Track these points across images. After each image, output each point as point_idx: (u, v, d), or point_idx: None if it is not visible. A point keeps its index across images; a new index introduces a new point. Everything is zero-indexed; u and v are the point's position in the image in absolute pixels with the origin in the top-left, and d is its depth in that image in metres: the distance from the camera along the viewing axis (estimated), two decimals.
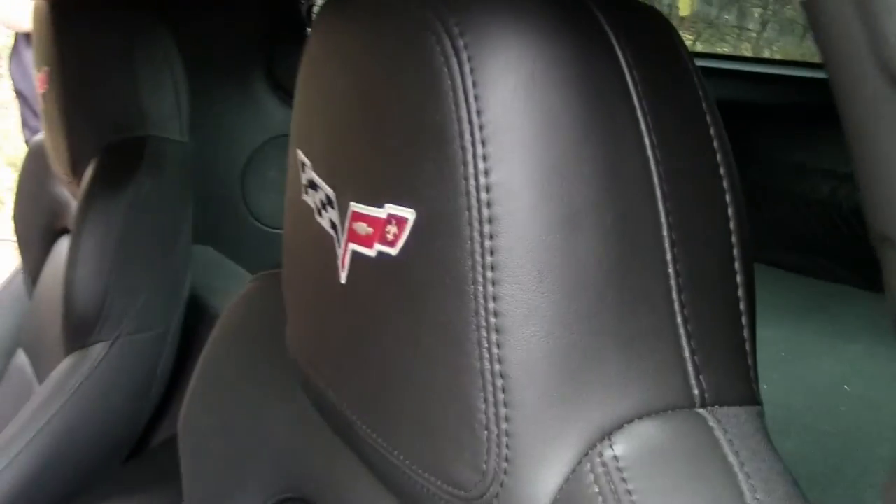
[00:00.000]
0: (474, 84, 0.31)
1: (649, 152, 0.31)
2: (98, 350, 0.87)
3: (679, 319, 0.32)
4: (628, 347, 0.32)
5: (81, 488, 0.88)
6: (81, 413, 0.85)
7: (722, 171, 0.33)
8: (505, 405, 0.32)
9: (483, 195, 0.31)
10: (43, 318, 1.03)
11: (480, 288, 0.31)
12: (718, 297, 0.33)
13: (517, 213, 0.31)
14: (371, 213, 0.36)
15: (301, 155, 0.43)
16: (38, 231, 1.11)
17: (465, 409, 0.33)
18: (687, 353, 0.32)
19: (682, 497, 0.30)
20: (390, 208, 0.34)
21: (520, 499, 0.32)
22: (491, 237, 0.31)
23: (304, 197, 0.43)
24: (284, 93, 1.25)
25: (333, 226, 0.39)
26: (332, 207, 0.39)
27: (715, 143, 0.33)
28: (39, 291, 1.08)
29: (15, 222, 1.18)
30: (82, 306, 0.87)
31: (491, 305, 0.31)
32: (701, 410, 0.32)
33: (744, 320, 0.34)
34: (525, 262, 0.31)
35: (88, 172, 0.90)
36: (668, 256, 0.32)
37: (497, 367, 0.31)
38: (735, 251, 0.33)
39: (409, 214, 0.33)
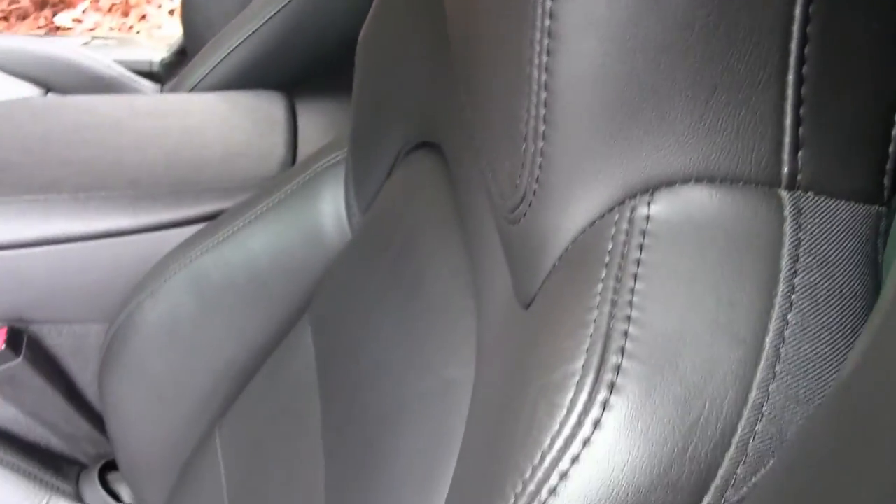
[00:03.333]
0: None
1: None
2: None
3: (791, 76, 0.25)
4: (708, 95, 0.25)
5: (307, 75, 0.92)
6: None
7: None
8: (545, 121, 0.27)
9: None
10: None
11: None
12: (864, 64, 0.25)
13: None
14: None
15: None
16: None
17: (510, 116, 0.29)
18: (788, 120, 0.25)
19: (693, 289, 0.24)
20: None
21: (543, 227, 0.29)
22: None
23: None
24: None
25: None
26: None
27: None
28: None
29: None
30: None
31: (549, 5, 0.26)
32: (783, 192, 0.26)
33: None
34: None
35: None
36: None
37: (543, 76, 0.27)
38: None
39: None
